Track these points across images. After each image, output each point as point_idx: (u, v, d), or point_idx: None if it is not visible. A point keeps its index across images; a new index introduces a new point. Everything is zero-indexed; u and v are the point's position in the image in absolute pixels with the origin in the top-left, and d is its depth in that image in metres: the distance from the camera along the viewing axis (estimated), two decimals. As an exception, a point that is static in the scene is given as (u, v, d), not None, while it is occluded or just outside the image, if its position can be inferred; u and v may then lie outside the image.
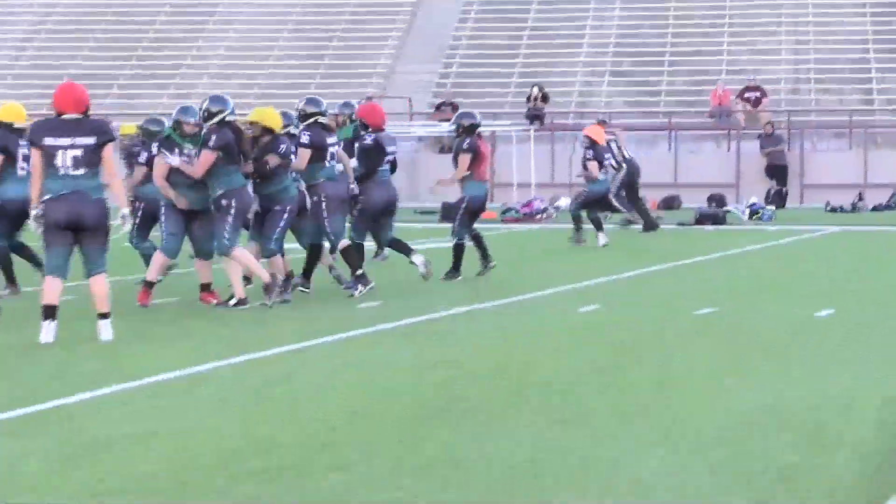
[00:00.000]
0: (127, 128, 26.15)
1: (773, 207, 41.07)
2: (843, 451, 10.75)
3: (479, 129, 24.33)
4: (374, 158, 21.99)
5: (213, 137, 20.18)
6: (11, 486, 9.90)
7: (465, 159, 23.49)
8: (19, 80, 48.93)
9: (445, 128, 47.65)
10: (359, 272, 21.54)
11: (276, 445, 11.09)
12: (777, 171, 43.89)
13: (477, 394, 13.42)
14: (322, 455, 10.79)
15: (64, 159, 16.34)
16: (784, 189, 43.68)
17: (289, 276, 20.94)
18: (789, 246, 32.02)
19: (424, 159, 47.15)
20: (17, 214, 21.38)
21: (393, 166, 24.61)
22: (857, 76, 48.68)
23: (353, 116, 25.75)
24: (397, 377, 14.62)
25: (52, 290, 16.55)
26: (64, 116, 16.66)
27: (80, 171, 16.42)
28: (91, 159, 16.46)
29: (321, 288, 22.62)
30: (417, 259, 22.71)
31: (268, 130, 21.06)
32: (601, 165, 31.24)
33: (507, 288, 22.28)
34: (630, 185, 35.84)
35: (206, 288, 20.87)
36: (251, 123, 21.22)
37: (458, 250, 23.78)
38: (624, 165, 35.18)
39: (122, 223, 17.29)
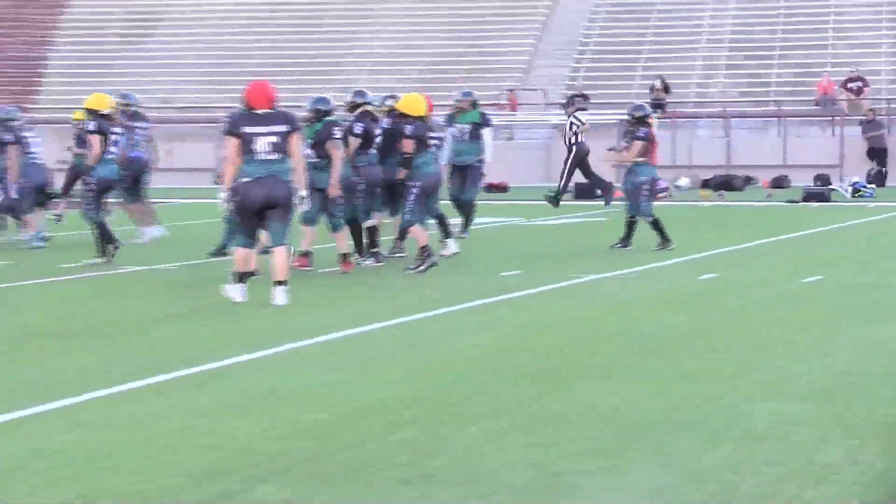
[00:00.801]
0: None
1: (874, 186, 40.71)
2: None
3: (645, 117, 24.22)
4: (418, 144, 21.10)
5: (357, 125, 20.96)
6: (200, 427, 10.24)
7: (637, 146, 23.53)
8: (208, 77, 49.39)
9: (578, 118, 48.02)
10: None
11: (425, 396, 11.42)
12: (877, 154, 43.47)
13: (602, 352, 13.58)
14: (471, 402, 11.05)
15: (262, 145, 16.85)
16: (884, 169, 43.26)
17: (425, 249, 20.51)
18: (888, 221, 31.53)
19: (557, 145, 47.16)
20: (103, 191, 22.74)
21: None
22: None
23: (475, 102, 26.14)
24: (531, 336, 14.79)
25: (243, 259, 17.12)
26: (256, 110, 17.12)
27: (275, 156, 16.93)
28: (282, 146, 16.96)
29: (462, 259, 22.69)
30: (452, 244, 22.73)
31: (404, 116, 21.21)
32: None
33: (634, 258, 22.29)
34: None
35: (344, 258, 20.74)
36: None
37: (657, 225, 23.57)
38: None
39: (300, 203, 17.61)
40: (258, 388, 11.73)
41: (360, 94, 22.59)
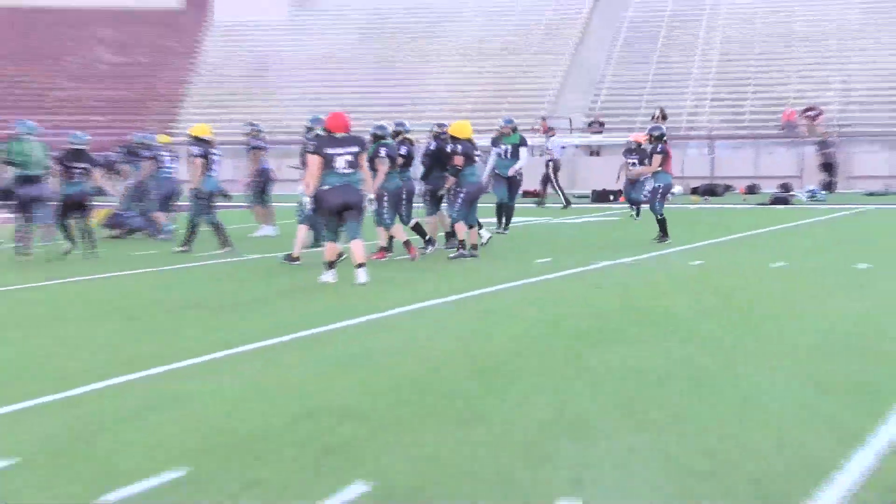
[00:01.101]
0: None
1: (826, 192, 40.61)
2: None
3: (662, 135, 24.15)
4: (466, 159, 21.10)
5: (402, 148, 21.45)
6: (306, 377, 10.46)
7: (657, 159, 23.50)
8: (310, 106, 49.55)
9: (595, 139, 48.06)
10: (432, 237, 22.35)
11: (479, 354, 11.50)
12: (828, 167, 43.15)
13: (618, 322, 13.61)
14: (518, 359, 11.20)
15: (340, 162, 17.09)
16: (834, 180, 43.04)
17: (475, 246, 20.84)
18: (837, 219, 31.02)
19: (580, 160, 47.12)
20: (210, 199, 22.86)
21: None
22: (887, 99, 47.79)
23: (515, 127, 26.29)
24: (562, 309, 14.85)
25: (331, 250, 17.34)
26: (335, 134, 17.39)
27: (349, 170, 17.20)
28: (355, 162, 17.27)
29: (501, 250, 22.74)
30: (484, 233, 22.85)
31: (455, 138, 21.27)
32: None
33: (640, 248, 22.15)
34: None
35: (407, 244, 20.98)
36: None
37: (663, 223, 23.44)
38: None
39: (369, 205, 18.08)
40: (352, 349, 11.84)
41: (400, 124, 22.65)
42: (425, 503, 6.61)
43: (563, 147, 43.06)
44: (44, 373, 10.47)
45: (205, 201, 22.91)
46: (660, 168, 23.64)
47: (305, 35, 53.29)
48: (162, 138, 24.13)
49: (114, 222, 26.73)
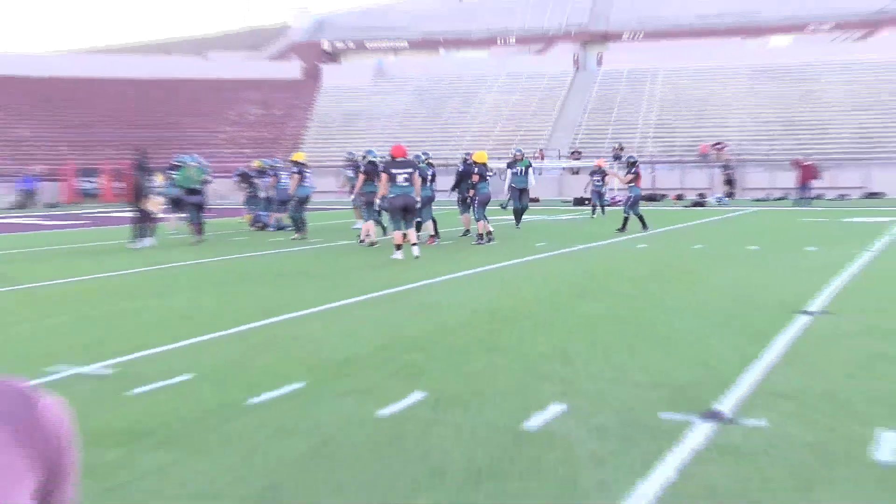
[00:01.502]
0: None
1: (728, 199, 40.32)
2: (788, 312, 10.93)
3: (635, 162, 24.35)
4: (480, 177, 21.38)
5: (429, 170, 21.30)
6: (388, 321, 10.42)
7: (629, 177, 23.53)
8: (395, 136, 49.99)
9: (575, 163, 47.87)
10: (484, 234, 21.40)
11: (499, 307, 11.51)
12: (730, 182, 42.65)
13: (591, 286, 13.63)
14: (525, 311, 11.22)
15: (400, 178, 17.32)
16: (733, 191, 42.63)
17: (489, 233, 20.57)
18: (735, 217, 30.70)
19: (565, 178, 46.92)
20: (302, 202, 23.03)
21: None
22: (766, 138, 47.50)
23: (520, 155, 26.16)
24: (554, 276, 14.78)
25: (398, 237, 17.45)
26: (397, 159, 17.65)
27: (406, 184, 17.38)
28: (410, 178, 17.44)
29: (514, 238, 22.38)
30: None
31: (476, 163, 21.54)
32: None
33: (605, 237, 21.83)
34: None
35: (436, 235, 20.89)
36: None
37: (626, 220, 23.32)
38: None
39: (417, 205, 18.10)
40: (414, 302, 11.83)
41: (426, 153, 22.92)
42: (462, 405, 6.66)
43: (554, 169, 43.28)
44: (208, 318, 10.58)
45: (297, 204, 23.13)
46: (632, 183, 23.56)
47: (381, 95, 53.24)
48: (298, 156, 24.06)
49: (255, 221, 26.77)
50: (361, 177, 20.63)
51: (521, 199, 25.78)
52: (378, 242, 20.34)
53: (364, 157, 22.19)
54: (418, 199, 17.94)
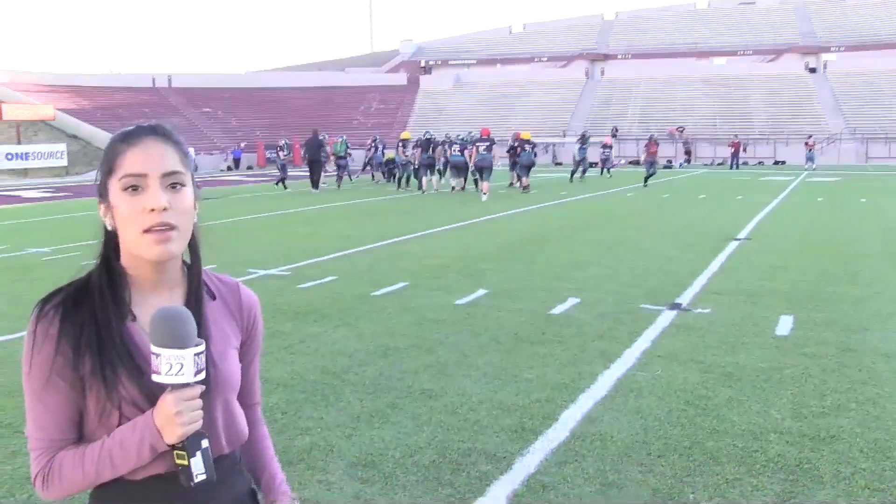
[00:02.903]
0: None
1: (687, 164, 38.88)
2: (724, 239, 10.61)
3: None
4: (521, 149, 19.84)
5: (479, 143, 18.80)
6: (458, 240, 10.18)
7: (651, 146, 22.43)
8: (478, 120, 49.44)
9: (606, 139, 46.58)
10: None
11: (533, 233, 11.22)
12: (688, 153, 40.45)
13: (591, 221, 13.15)
14: (551, 235, 10.99)
15: (482, 149, 17.41)
16: (690, 159, 40.65)
17: (526, 186, 19.35)
18: (693, 176, 29.29)
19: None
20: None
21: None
22: (710, 124, 45.67)
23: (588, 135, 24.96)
24: (568, 214, 14.35)
25: (486, 187, 17.28)
26: (482, 137, 17.72)
27: (486, 153, 17.33)
28: (489, 149, 17.42)
29: (542, 189, 21.71)
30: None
31: (521, 140, 19.90)
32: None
33: (608, 187, 21.29)
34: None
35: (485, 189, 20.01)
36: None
37: (647, 178, 21.97)
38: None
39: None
40: (480, 230, 11.56)
41: (469, 133, 21.61)
42: (511, 297, 6.61)
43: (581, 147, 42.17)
44: (348, 240, 10.50)
45: (395, 168, 22.05)
46: (651, 153, 22.28)
47: (458, 96, 52.38)
48: (404, 135, 22.87)
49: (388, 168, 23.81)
50: (473, 149, 18.78)
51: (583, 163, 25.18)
52: (436, 190, 19.67)
53: (426, 134, 21.19)
54: (494, 162, 17.79)
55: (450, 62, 63.66)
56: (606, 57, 61.23)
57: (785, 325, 5.61)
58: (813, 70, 50.39)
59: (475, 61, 63.62)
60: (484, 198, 17.07)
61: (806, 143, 33.74)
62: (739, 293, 6.71)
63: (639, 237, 10.57)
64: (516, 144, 20.40)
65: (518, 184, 20.14)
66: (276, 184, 22.16)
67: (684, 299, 6.48)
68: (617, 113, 48.99)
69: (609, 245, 9.80)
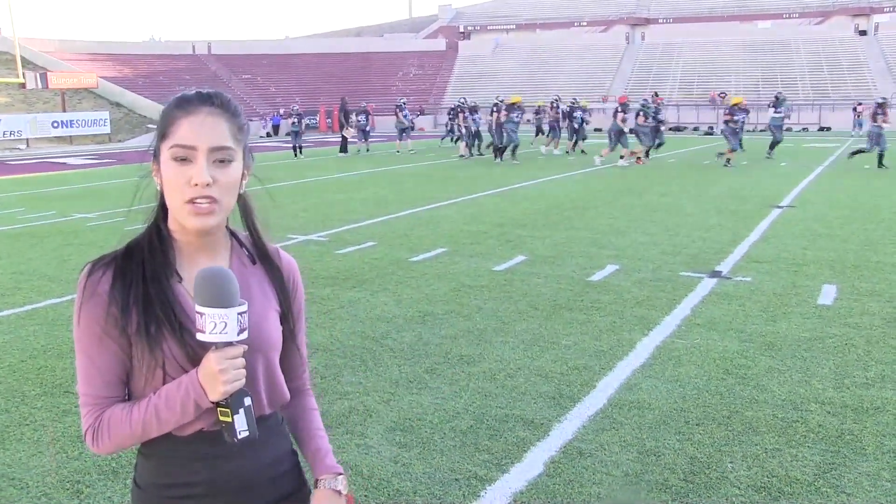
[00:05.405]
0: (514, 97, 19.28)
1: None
2: (766, 206, 10.39)
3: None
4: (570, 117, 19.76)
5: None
6: (497, 205, 10.05)
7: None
8: (521, 85, 48.77)
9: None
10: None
11: (568, 199, 11.05)
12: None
13: (640, 184, 12.96)
14: (586, 202, 10.86)
15: (515, 116, 17.20)
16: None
17: (567, 152, 19.23)
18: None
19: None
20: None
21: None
22: (753, 90, 44.41)
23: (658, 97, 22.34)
24: (612, 181, 14.15)
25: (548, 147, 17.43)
26: (514, 103, 17.13)
27: (518, 119, 16.93)
28: (520, 116, 16.96)
29: (582, 155, 21.28)
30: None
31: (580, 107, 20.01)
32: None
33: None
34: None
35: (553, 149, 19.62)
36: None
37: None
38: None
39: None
40: (519, 195, 11.37)
41: (502, 100, 20.00)
42: (549, 263, 6.57)
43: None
44: (386, 204, 10.51)
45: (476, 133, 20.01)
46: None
47: (497, 61, 51.60)
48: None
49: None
50: (504, 114, 17.58)
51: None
52: (466, 155, 19.30)
53: (495, 103, 19.66)
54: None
55: (489, 27, 62.75)
56: (647, 21, 59.67)
57: (828, 294, 5.48)
58: (863, 33, 48.30)
59: (514, 26, 62.61)
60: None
61: (854, 109, 32.56)
62: (781, 261, 6.57)
63: (679, 204, 10.41)
64: (571, 110, 19.95)
65: (571, 150, 20.08)
66: (296, 154, 21.36)
67: (725, 267, 6.36)
68: (657, 77, 47.94)
69: (649, 211, 9.66)
